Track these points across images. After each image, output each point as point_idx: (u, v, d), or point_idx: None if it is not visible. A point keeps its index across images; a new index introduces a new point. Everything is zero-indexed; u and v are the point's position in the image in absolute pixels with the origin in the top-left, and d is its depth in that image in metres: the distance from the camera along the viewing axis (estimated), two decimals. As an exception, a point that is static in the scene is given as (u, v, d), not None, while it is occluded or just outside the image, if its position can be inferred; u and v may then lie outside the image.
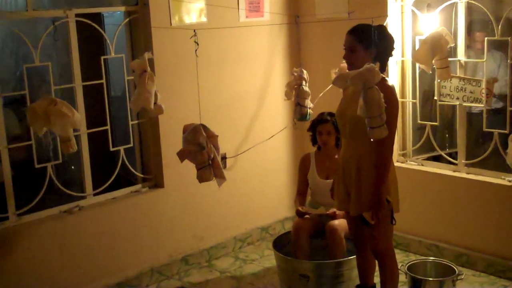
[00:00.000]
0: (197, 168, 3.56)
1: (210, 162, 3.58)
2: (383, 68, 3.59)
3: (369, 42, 3.46)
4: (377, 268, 3.82)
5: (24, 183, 4.48)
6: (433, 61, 4.22)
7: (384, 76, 3.44)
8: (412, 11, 4.73)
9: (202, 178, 3.60)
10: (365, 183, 3.47)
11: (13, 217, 3.99)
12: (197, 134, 3.53)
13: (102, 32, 4.43)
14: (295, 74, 4.40)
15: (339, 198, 3.71)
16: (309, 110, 4.44)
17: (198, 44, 3.61)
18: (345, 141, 3.64)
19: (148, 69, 3.66)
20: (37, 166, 4.06)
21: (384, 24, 3.54)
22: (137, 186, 4.62)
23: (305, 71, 4.46)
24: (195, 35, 3.61)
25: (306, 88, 4.44)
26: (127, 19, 4.46)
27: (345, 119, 3.55)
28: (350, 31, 3.57)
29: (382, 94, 3.15)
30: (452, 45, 4.28)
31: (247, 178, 5.17)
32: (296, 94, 4.39)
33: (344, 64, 4.30)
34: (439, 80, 4.58)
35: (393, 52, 3.66)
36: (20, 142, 4.33)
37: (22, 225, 4.01)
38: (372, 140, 3.29)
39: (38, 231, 4.05)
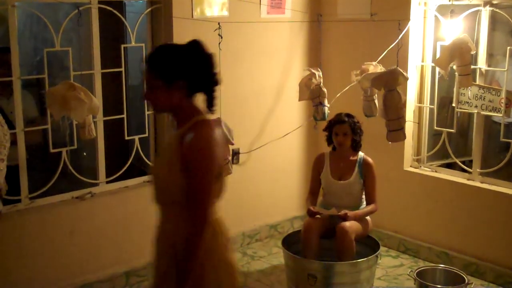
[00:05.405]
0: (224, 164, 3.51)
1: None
2: (210, 103, 2.44)
3: (170, 74, 2.34)
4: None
5: (38, 167, 4.49)
6: (455, 68, 4.19)
7: (205, 118, 2.40)
8: (435, 16, 4.70)
9: (228, 172, 3.57)
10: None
11: (25, 200, 4.00)
12: (227, 128, 3.50)
13: (124, 21, 4.42)
14: (316, 73, 4.37)
15: None
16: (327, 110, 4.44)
17: (221, 37, 3.59)
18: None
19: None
20: (52, 150, 4.07)
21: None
22: (150, 176, 4.61)
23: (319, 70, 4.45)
24: (219, 28, 3.59)
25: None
26: (150, 9, 4.45)
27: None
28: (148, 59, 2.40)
29: (404, 98, 3.14)
30: (474, 52, 4.25)
31: (259, 175, 5.16)
32: (317, 93, 4.35)
33: (365, 66, 4.29)
34: (459, 87, 4.56)
35: (217, 79, 2.41)
36: (36, 125, 4.33)
37: (34, 209, 4.02)
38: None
39: (50, 215, 4.06)
